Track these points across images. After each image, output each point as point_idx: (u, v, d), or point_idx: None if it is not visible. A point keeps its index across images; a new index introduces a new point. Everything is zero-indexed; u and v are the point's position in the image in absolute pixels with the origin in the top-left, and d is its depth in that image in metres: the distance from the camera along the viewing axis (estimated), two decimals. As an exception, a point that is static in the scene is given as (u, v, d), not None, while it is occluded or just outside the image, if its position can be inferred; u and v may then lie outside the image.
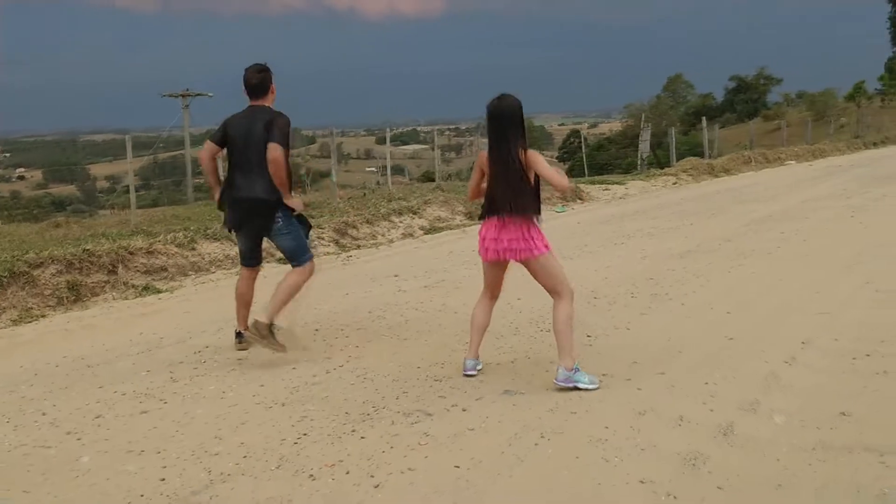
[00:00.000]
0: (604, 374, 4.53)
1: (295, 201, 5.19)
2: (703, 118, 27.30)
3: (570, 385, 4.27)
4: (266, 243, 5.52)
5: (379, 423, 3.92)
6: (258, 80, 5.16)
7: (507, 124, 4.39)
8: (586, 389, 4.27)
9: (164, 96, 34.03)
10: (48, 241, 8.55)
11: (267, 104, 5.20)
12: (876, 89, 48.85)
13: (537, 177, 4.43)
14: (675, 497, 3.10)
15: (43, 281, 6.95)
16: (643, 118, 25.79)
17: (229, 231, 5.53)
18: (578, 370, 4.33)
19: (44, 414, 4.22)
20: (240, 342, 5.33)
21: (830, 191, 15.11)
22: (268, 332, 4.95)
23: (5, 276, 6.74)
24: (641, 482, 3.23)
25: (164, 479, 3.35)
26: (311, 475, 3.35)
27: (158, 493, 3.22)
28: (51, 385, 4.74)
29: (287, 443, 3.71)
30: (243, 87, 5.21)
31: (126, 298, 7.21)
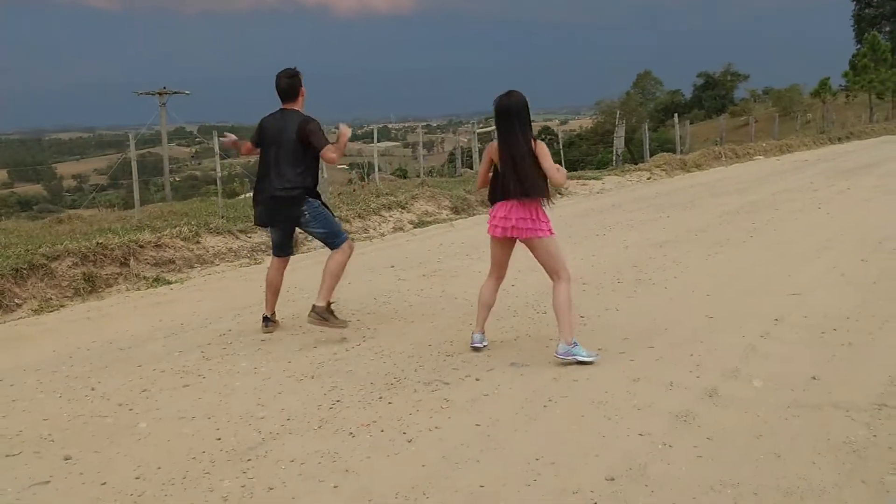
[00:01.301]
0: (599, 349, 5.01)
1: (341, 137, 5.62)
2: (675, 115, 27.98)
3: (570, 357, 4.73)
4: (301, 235, 5.95)
5: (402, 391, 4.37)
6: (287, 85, 5.58)
7: (515, 118, 4.83)
8: (584, 362, 4.75)
9: (140, 94, 33.99)
10: (57, 235, 8.85)
11: (297, 107, 5.61)
12: (840, 86, 50.00)
13: None
14: (670, 446, 3.58)
15: (60, 273, 7.31)
16: (618, 115, 26.40)
17: (261, 226, 6.01)
18: (577, 345, 4.80)
19: (92, 389, 4.61)
20: (266, 326, 5.74)
21: (798, 184, 15.75)
22: (328, 314, 5.48)
23: (25, 268, 7.08)
24: (640, 434, 3.71)
25: (220, 439, 3.78)
26: (351, 433, 3.80)
27: (218, 450, 3.65)
28: (90, 365, 5.12)
29: (323, 408, 4.15)
30: (276, 91, 5.60)
31: (138, 289, 7.57)
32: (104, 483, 3.36)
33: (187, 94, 34.74)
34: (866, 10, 54.53)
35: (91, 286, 7.37)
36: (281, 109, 5.64)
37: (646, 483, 3.24)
